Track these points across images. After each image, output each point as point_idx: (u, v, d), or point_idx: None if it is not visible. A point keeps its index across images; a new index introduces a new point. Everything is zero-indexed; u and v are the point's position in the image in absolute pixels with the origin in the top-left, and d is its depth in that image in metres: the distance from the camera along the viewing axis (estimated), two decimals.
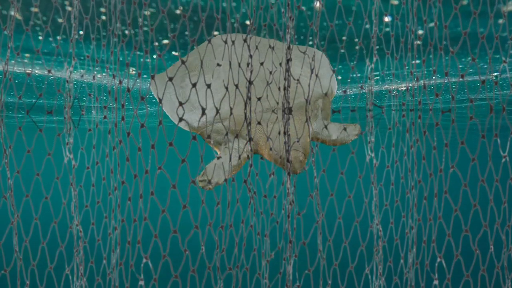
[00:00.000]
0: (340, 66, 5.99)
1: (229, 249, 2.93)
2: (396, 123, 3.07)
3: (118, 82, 2.81)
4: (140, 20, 3.85)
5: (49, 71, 2.98)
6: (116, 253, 2.91)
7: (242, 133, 3.08)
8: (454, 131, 2.75)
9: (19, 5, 3.34)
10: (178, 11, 3.97)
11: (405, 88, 3.11)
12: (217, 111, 2.70)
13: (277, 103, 3.08)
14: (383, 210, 3.12)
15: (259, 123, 3.03)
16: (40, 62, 5.99)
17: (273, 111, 3.04)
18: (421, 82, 3.02)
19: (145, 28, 4.31)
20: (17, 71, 6.37)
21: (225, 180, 2.97)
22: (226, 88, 2.74)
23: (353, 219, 3.13)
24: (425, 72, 3.02)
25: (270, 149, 3.05)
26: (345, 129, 3.16)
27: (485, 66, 6.15)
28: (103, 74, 6.12)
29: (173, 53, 5.44)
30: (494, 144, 2.74)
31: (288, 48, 2.80)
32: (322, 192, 3.02)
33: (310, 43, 4.79)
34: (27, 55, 5.42)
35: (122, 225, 2.93)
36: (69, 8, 3.74)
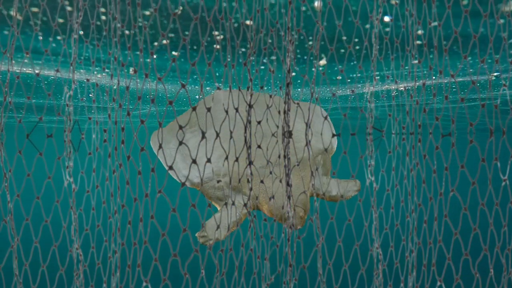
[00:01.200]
0: (340, 66, 6.00)
1: (229, 273, 2.92)
2: (396, 146, 3.07)
3: (118, 106, 2.82)
4: (141, 27, 3.86)
5: (49, 95, 2.99)
6: (116, 277, 2.90)
7: (243, 189, 3.10)
8: (454, 154, 2.76)
9: (21, 5, 3.36)
10: (178, 11, 3.98)
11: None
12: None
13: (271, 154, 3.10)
14: (383, 233, 3.12)
15: (262, 181, 3.06)
16: (39, 62, 5.98)
17: (273, 135, 3.05)
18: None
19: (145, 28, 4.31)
20: (17, 71, 6.36)
21: (226, 235, 2.99)
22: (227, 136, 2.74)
23: (353, 242, 3.12)
24: (425, 95, 3.03)
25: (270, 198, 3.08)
26: (344, 185, 3.19)
27: (485, 66, 6.14)
28: (103, 74, 6.10)
29: (173, 53, 5.44)
30: (494, 167, 2.74)
31: (288, 71, 2.81)
32: (322, 215, 3.02)
33: (310, 42, 4.79)
34: (26, 55, 5.42)
35: (122, 248, 2.93)
36: (68, 8, 3.74)
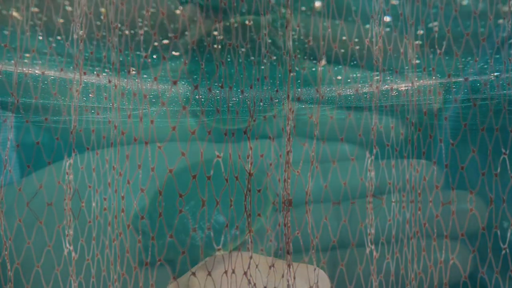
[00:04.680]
0: (340, 66, 6.00)
1: None
2: (396, 214, 3.07)
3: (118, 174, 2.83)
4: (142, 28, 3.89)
5: (49, 163, 3.00)
6: None
7: None
8: (454, 222, 2.76)
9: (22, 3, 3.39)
10: (177, 11, 3.99)
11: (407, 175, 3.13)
12: None
13: None
14: None
15: None
16: (40, 62, 5.96)
17: None
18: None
19: (146, 28, 4.33)
20: (17, 71, 6.30)
21: None
22: None
23: None
24: (426, 164, 3.04)
25: None
26: None
27: (485, 66, 6.10)
28: (103, 74, 6.08)
29: (174, 53, 5.42)
30: (494, 235, 2.74)
31: (288, 140, 2.83)
32: None
33: (311, 43, 4.77)
34: (27, 55, 5.40)
35: None
36: (68, 8, 3.75)
